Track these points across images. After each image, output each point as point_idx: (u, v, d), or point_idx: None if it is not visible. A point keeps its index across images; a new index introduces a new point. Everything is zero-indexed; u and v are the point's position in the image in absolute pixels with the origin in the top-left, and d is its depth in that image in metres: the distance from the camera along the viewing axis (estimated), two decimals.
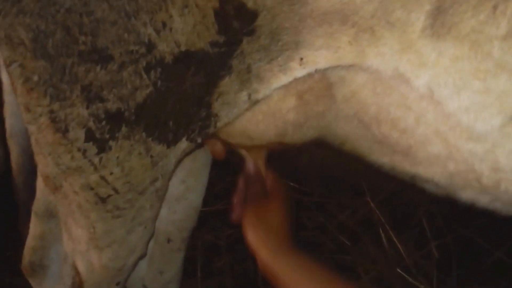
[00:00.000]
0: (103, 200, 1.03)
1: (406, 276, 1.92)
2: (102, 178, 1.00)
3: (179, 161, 1.07)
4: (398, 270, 1.94)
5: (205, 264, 2.21)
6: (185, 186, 1.42)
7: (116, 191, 1.01)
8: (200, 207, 1.49)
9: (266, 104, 0.94)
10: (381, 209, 2.18)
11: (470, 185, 0.91)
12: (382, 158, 1.01)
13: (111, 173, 0.99)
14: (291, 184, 2.42)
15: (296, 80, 0.88)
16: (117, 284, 1.21)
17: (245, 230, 1.16)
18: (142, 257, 1.19)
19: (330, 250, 2.21)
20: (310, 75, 0.88)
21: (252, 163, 1.22)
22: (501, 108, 0.77)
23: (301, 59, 0.82)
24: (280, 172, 2.49)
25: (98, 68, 0.87)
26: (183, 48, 0.88)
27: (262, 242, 1.10)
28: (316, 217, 2.33)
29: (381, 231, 2.10)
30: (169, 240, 1.47)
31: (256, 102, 0.93)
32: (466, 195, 0.96)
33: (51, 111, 0.93)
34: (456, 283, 1.89)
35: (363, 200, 2.22)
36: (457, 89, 0.77)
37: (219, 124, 0.98)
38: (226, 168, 2.58)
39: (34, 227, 1.23)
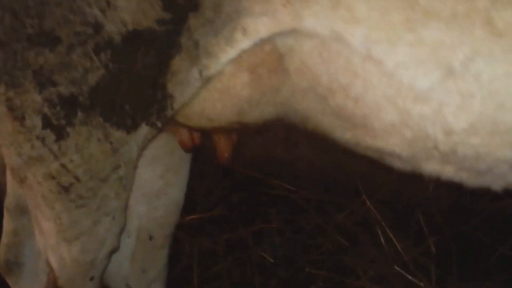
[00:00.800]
0: (66, 189, 1.02)
1: (404, 273, 1.87)
2: (63, 166, 0.99)
3: (142, 148, 1.07)
4: (397, 268, 1.89)
5: (202, 270, 2.19)
6: (164, 182, 1.41)
7: (77, 179, 1.01)
8: (182, 202, 1.48)
9: (220, 82, 0.94)
10: (378, 208, 2.15)
11: (431, 155, 0.89)
12: (345, 134, 0.99)
13: (71, 161, 0.99)
14: (289, 187, 2.41)
15: (244, 52, 0.88)
16: (91, 279, 1.20)
17: None
18: (114, 250, 1.18)
19: (329, 252, 2.17)
20: (259, 47, 0.88)
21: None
22: (437, 61, 0.76)
23: (244, 29, 0.82)
24: (278, 177, 2.48)
25: (47, 51, 0.88)
26: (130, 28, 0.89)
27: None
28: (314, 219, 2.30)
29: (378, 230, 2.06)
30: (151, 237, 1.45)
31: (209, 79, 0.93)
32: (430, 167, 0.94)
33: (8, 99, 0.94)
34: (456, 278, 1.84)
35: (360, 201, 2.20)
36: (392, 44, 0.75)
37: (175, 106, 0.97)
38: (222, 175, 2.60)
39: (7, 224, 1.23)
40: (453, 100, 0.79)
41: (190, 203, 2.41)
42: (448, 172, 0.93)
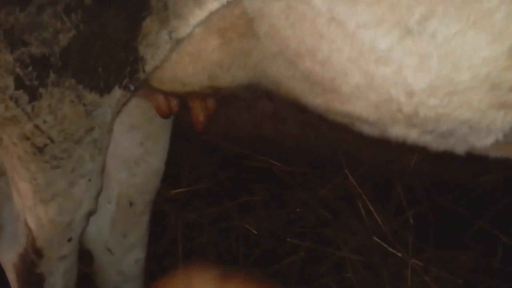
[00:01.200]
0: (40, 150, 1.04)
1: (383, 244, 1.91)
2: (36, 127, 1.01)
3: (116, 112, 1.09)
4: (376, 239, 1.93)
5: (187, 242, 2.23)
6: (143, 149, 1.43)
7: (51, 140, 1.03)
8: (162, 170, 1.50)
9: (191, 45, 0.95)
10: (360, 183, 2.19)
11: (396, 118, 0.91)
12: (316, 99, 1.01)
13: (45, 122, 1.01)
14: (275, 163, 2.44)
15: (213, 15, 0.89)
16: (69, 240, 1.23)
17: None
18: (91, 212, 1.21)
19: (312, 224, 2.21)
20: (228, 10, 0.89)
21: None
22: (395, 20, 0.77)
23: None
24: (265, 153, 2.50)
25: (17, 10, 0.89)
26: None
27: None
28: (298, 193, 2.34)
29: (360, 203, 2.11)
30: (131, 204, 1.48)
31: (179, 41, 0.94)
32: (396, 130, 0.97)
33: None
34: (433, 249, 1.88)
35: (342, 175, 2.23)
36: (352, 4, 0.77)
37: (147, 68, 0.99)
38: (209, 151, 2.63)
39: None
40: (412, 60, 0.81)
41: (176, 177, 2.45)
42: (413, 135, 0.95)
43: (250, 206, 2.29)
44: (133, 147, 1.43)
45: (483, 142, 0.94)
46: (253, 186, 2.37)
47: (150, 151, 1.45)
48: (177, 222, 2.27)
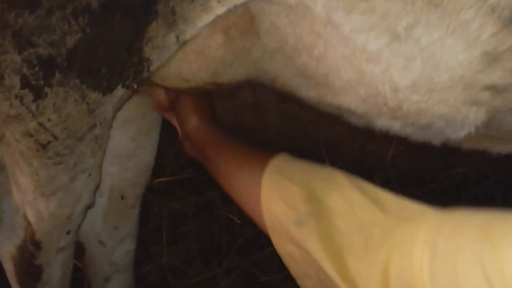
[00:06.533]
0: (44, 146, 1.07)
1: None
2: (41, 124, 1.04)
3: (117, 109, 1.12)
4: None
5: (171, 231, 2.27)
6: (135, 144, 1.47)
7: (55, 137, 1.06)
8: (153, 164, 1.54)
9: (195, 43, 1.00)
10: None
11: (382, 111, 1.00)
12: (309, 92, 1.08)
13: (49, 120, 1.04)
14: None
15: (219, 17, 0.94)
16: (68, 233, 1.26)
17: (179, 123, 1.26)
18: (89, 206, 1.24)
19: None
20: (232, 11, 0.93)
21: (163, 95, 1.29)
22: (385, 27, 0.86)
23: None
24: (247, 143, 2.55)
25: (27, 13, 0.91)
26: None
27: (193, 124, 1.22)
28: None
29: None
30: (122, 197, 1.52)
31: (185, 42, 0.98)
32: (381, 122, 1.05)
33: None
34: None
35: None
36: (348, 11, 0.84)
37: (152, 68, 1.03)
38: None
39: None
40: (398, 61, 0.90)
41: (159, 166, 2.48)
42: (396, 127, 1.04)
43: None
44: (126, 142, 1.46)
45: (457, 135, 1.04)
46: None
47: (141, 146, 1.49)
48: (161, 211, 2.31)
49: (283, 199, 0.94)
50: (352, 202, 0.86)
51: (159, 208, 2.30)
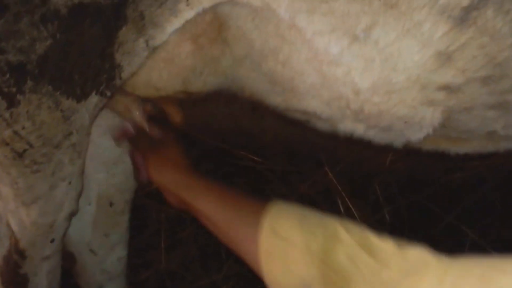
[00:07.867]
0: (20, 155, 1.07)
1: None
2: (15, 133, 1.04)
3: (94, 116, 1.12)
4: None
5: (169, 236, 2.26)
6: (121, 149, 1.46)
7: (30, 145, 1.06)
8: None
9: (165, 50, 0.99)
10: (339, 179, 2.25)
11: (345, 114, 1.00)
12: (277, 98, 1.08)
13: (23, 128, 1.03)
14: (256, 158, 2.48)
15: (188, 22, 0.93)
16: (52, 241, 1.26)
17: (152, 176, 1.23)
18: (73, 214, 1.24)
19: None
20: (201, 17, 0.93)
21: (130, 123, 1.27)
22: (345, 29, 0.86)
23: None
24: (245, 148, 2.53)
25: None
26: (76, 0, 0.92)
27: (170, 177, 1.18)
28: (279, 188, 2.38)
29: (338, 199, 2.16)
30: (111, 204, 1.51)
31: (155, 48, 0.97)
32: (345, 125, 1.06)
33: None
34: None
35: (322, 172, 2.28)
36: (310, 13, 0.84)
37: (124, 75, 1.02)
38: (189, 145, 2.65)
39: None
40: (359, 63, 0.90)
41: None
42: (359, 130, 1.05)
43: None
44: (111, 148, 1.45)
45: (416, 136, 1.05)
46: (233, 180, 2.41)
47: (127, 151, 1.48)
48: (159, 216, 2.30)
49: (285, 264, 0.91)
50: (357, 263, 0.84)
51: (157, 213, 2.29)
